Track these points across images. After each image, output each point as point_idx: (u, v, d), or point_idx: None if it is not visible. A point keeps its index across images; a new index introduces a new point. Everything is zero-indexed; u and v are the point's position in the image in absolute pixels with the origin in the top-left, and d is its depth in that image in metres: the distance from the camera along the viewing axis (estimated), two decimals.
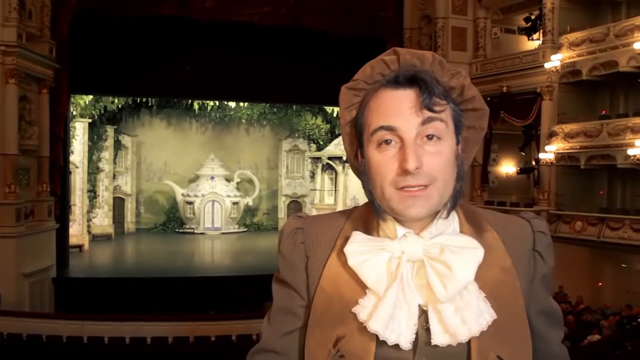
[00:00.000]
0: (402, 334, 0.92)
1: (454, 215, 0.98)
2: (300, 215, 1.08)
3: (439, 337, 0.92)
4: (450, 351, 0.92)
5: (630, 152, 12.03)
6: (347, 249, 0.95)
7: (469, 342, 0.92)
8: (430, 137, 0.90)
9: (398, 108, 0.90)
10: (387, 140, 0.91)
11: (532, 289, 1.02)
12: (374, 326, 0.91)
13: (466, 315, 0.91)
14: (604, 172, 14.51)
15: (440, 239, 0.93)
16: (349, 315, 0.95)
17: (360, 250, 0.94)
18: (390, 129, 0.90)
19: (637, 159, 11.91)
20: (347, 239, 0.97)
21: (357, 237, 0.96)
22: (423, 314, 0.94)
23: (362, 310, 0.93)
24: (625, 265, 13.98)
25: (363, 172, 0.97)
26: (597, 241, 12.92)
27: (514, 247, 1.01)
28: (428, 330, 0.93)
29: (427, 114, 0.90)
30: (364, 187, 0.98)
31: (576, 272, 13.99)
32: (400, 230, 0.94)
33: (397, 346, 0.92)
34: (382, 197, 0.93)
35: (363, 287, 0.94)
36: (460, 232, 0.98)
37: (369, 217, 1.00)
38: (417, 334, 0.94)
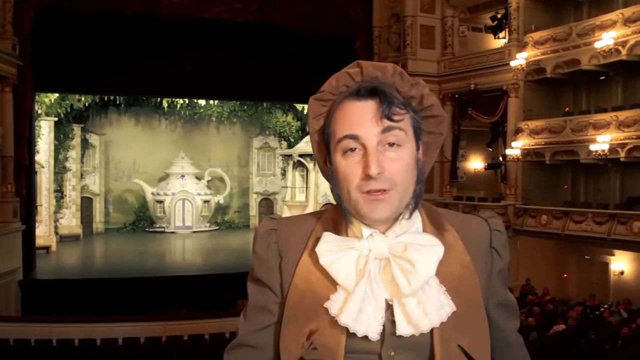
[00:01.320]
0: (370, 326, 0.98)
1: (417, 216, 1.05)
2: (274, 216, 1.14)
3: (403, 328, 0.98)
4: (415, 341, 0.99)
5: (593, 147, 12.41)
6: (319, 249, 1.01)
7: (431, 333, 0.99)
8: (391, 144, 0.97)
9: (360, 118, 0.97)
10: (352, 147, 0.98)
11: (490, 283, 1.10)
12: (344, 320, 0.97)
13: (428, 308, 0.98)
14: (568, 167, 14.95)
15: (404, 237, 1.00)
16: (320, 310, 1.00)
17: (331, 250, 1.00)
18: (353, 137, 0.97)
19: (599, 155, 12.29)
20: (318, 239, 1.04)
21: (328, 237, 1.02)
22: (389, 307, 1.00)
23: (333, 305, 0.99)
24: (588, 257, 14.46)
25: (331, 177, 1.03)
26: (562, 234, 13.29)
27: (473, 244, 1.08)
28: (394, 322, 0.99)
29: (387, 123, 0.96)
30: (332, 191, 1.04)
31: (542, 265, 14.41)
32: (367, 230, 1.01)
33: (366, 338, 0.99)
34: (349, 201, 0.99)
35: (334, 284, 1.00)
36: (423, 231, 1.05)
37: (338, 218, 1.06)
38: (384, 326, 1.00)
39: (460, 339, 1.01)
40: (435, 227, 1.07)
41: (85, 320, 11.37)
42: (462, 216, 1.16)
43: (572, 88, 15.00)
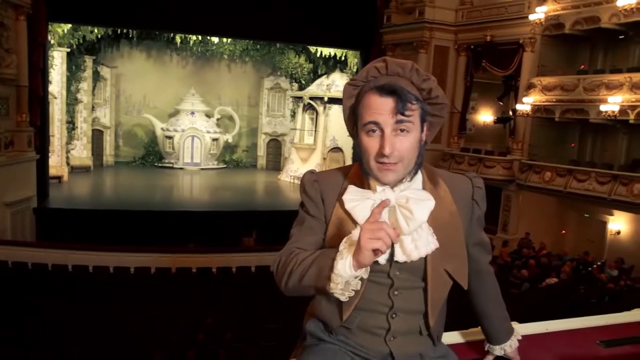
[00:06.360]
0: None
1: (419, 175, 1.39)
2: (312, 171, 1.49)
3: (399, 256, 1.34)
4: (413, 265, 1.35)
5: (603, 107, 12.43)
6: (344, 197, 1.36)
7: (425, 260, 1.35)
8: (402, 130, 1.28)
9: (381, 110, 1.28)
10: (373, 129, 1.29)
11: (471, 226, 1.47)
12: None
13: (418, 244, 1.32)
14: (576, 126, 14.98)
15: (407, 192, 1.33)
16: None
17: (353, 198, 1.35)
18: (375, 123, 1.29)
19: (609, 115, 12.33)
20: (345, 189, 1.39)
21: (351, 189, 1.37)
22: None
23: (354, 238, 1.32)
24: (587, 215, 14.74)
25: (357, 145, 1.36)
26: (564, 191, 13.52)
27: (459, 197, 1.43)
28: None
29: (400, 117, 1.27)
30: (358, 155, 1.37)
31: (542, 220, 14.73)
32: (380, 186, 1.34)
33: (377, 262, 1.33)
34: (368, 166, 1.32)
35: (355, 223, 1.34)
36: (423, 187, 1.39)
37: (361, 175, 1.39)
38: (391, 254, 1.34)
39: (446, 265, 1.39)
40: (432, 183, 1.41)
41: (99, 248, 11.87)
42: (452, 175, 1.49)
43: (589, 46, 14.80)
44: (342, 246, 1.21)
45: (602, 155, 14.72)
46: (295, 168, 23.80)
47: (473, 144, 17.31)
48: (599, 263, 12.00)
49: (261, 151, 28.37)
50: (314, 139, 24.52)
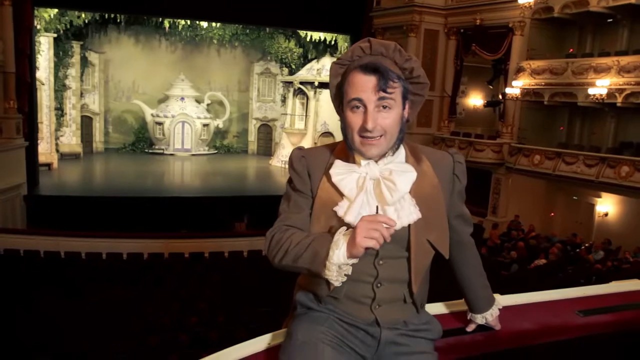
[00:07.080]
0: None
1: (402, 151, 1.46)
2: (300, 148, 1.56)
3: None
4: (397, 235, 1.37)
5: (591, 91, 12.53)
6: (331, 171, 1.43)
7: (409, 230, 1.42)
8: (384, 107, 1.35)
9: (365, 87, 1.35)
10: (357, 106, 1.36)
11: (452, 199, 1.55)
12: (347, 219, 1.38)
13: (401, 214, 1.39)
14: (565, 109, 15.10)
15: (390, 165, 1.40)
16: (334, 213, 1.43)
17: (339, 172, 1.42)
18: (359, 100, 1.36)
19: (597, 98, 12.44)
20: (332, 165, 1.46)
21: (338, 163, 1.45)
22: (377, 212, 1.40)
23: (340, 209, 1.41)
24: (576, 198, 14.92)
25: (342, 121, 1.43)
26: (553, 174, 13.67)
27: (440, 171, 1.51)
28: None
29: (382, 94, 1.34)
30: (342, 131, 1.43)
31: (532, 203, 14.89)
32: (365, 160, 1.41)
33: None
34: (352, 141, 1.39)
35: (342, 195, 1.42)
36: (406, 162, 1.45)
37: (346, 150, 1.46)
38: None
39: (428, 235, 1.46)
40: (415, 158, 1.47)
41: (91, 235, 11.88)
42: (435, 151, 1.56)
43: (578, 29, 14.87)
44: (337, 236, 1.27)
45: (590, 138, 14.87)
46: (286, 153, 23.75)
47: (463, 127, 17.40)
48: (586, 244, 12.19)
49: (252, 136, 28.32)
50: (305, 124, 24.50)
